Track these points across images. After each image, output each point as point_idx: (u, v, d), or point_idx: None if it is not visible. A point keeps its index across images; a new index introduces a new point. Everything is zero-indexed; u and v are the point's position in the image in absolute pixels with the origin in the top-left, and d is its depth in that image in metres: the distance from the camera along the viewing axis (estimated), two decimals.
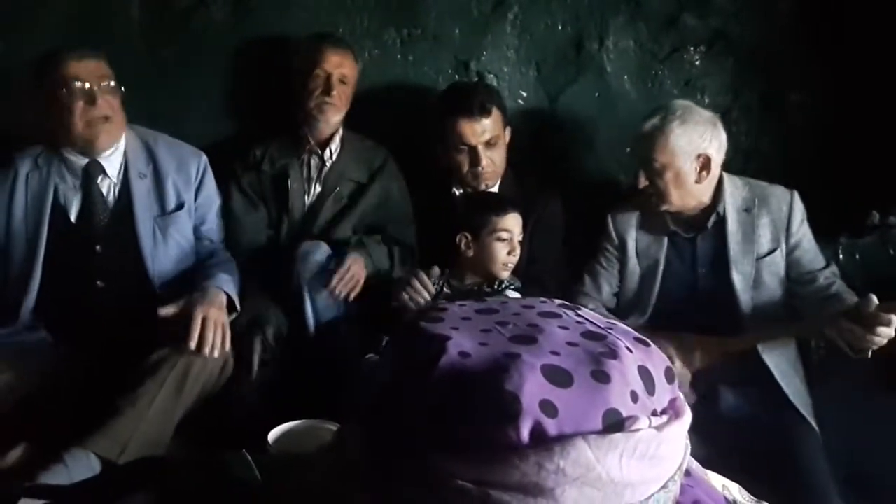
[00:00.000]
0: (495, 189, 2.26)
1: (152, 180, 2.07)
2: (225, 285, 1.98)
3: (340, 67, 2.22)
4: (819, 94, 2.39)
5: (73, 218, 2.00)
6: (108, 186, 2.03)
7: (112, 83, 1.97)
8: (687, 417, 0.57)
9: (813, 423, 1.85)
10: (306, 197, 2.26)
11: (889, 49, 2.26)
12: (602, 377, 0.52)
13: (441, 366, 0.53)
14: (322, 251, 2.07)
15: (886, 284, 2.18)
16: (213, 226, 2.18)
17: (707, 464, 0.72)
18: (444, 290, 2.09)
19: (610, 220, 2.14)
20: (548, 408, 0.50)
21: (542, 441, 0.49)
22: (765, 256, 2.01)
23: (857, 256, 2.25)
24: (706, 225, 2.03)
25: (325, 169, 2.26)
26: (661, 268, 2.06)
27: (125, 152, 2.05)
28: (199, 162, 2.14)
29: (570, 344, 0.56)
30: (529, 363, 0.52)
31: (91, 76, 1.93)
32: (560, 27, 2.47)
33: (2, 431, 1.73)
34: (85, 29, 2.32)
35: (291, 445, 1.33)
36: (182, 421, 1.80)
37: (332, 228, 2.22)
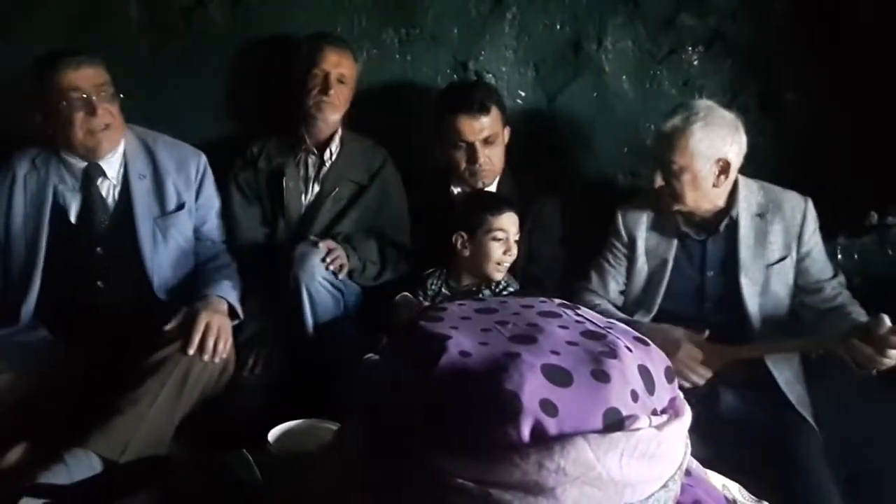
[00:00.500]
0: (493, 188, 2.26)
1: (152, 181, 2.07)
2: (227, 293, 1.98)
3: (339, 67, 2.22)
4: (817, 93, 2.39)
5: (72, 219, 2.00)
6: (107, 188, 2.03)
7: (111, 90, 1.96)
8: (687, 416, 0.57)
9: (812, 422, 1.85)
10: (304, 197, 2.26)
11: (886, 49, 2.27)
12: (602, 376, 0.52)
13: (441, 365, 0.53)
14: (320, 252, 2.07)
15: (884, 284, 2.19)
16: (213, 226, 2.18)
17: (707, 464, 0.72)
18: (442, 290, 2.10)
19: (620, 218, 2.11)
20: (548, 407, 0.50)
21: (543, 440, 0.50)
22: (775, 263, 1.97)
23: (856, 256, 2.25)
24: (718, 228, 1.99)
25: (325, 169, 2.26)
26: (670, 268, 2.03)
27: (124, 153, 2.05)
28: (198, 162, 2.14)
29: (569, 343, 0.56)
30: (529, 362, 0.52)
31: (89, 85, 1.92)
32: (558, 27, 2.47)
33: (2, 431, 1.73)
34: (84, 29, 2.32)
35: (291, 445, 1.33)
36: (183, 421, 1.80)
37: (330, 229, 2.21)
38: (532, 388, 0.50)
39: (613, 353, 0.55)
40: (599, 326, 0.59)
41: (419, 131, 2.39)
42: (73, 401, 1.81)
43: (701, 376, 1.86)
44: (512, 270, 2.11)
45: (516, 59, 2.48)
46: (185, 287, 2.04)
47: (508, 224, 2.03)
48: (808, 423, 1.84)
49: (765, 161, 2.39)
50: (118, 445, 1.68)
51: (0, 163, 2.03)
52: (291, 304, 2.03)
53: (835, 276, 2.01)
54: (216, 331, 1.86)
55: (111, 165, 2.03)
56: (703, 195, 1.95)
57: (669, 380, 0.57)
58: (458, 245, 2.05)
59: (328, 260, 2.03)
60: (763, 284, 1.97)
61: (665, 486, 0.54)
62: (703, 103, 1.96)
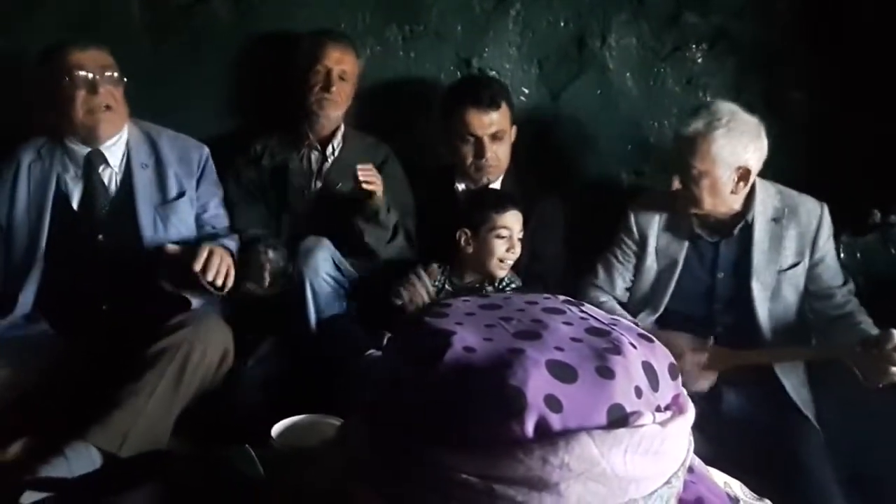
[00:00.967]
0: (497, 186, 2.26)
1: (154, 170, 2.09)
2: (228, 244, 2.01)
3: (341, 63, 2.22)
4: (821, 92, 2.39)
5: (74, 206, 2.02)
6: (109, 175, 2.05)
7: (115, 73, 2.00)
8: (690, 413, 0.57)
9: (815, 422, 1.85)
10: (307, 192, 2.26)
11: (890, 47, 2.26)
12: (606, 373, 0.52)
13: (446, 360, 0.53)
14: (324, 247, 2.07)
15: (888, 283, 2.18)
16: (215, 213, 2.19)
17: (709, 461, 0.72)
18: (446, 287, 2.10)
19: (632, 215, 2.09)
20: (552, 403, 0.50)
21: (547, 436, 0.50)
22: (787, 269, 1.96)
23: (859, 255, 2.25)
24: (732, 231, 1.97)
25: (327, 165, 2.26)
26: (680, 268, 2.01)
27: (127, 143, 2.08)
28: (201, 153, 2.17)
29: (574, 340, 0.56)
30: (534, 358, 0.52)
31: (94, 65, 1.95)
32: (562, 24, 2.47)
33: (3, 426, 1.73)
34: (86, 26, 2.32)
35: (294, 440, 1.33)
36: (185, 416, 1.81)
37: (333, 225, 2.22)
38: (536, 384, 0.50)
39: (618, 350, 0.54)
40: (604, 323, 0.59)
41: (423, 128, 2.39)
42: (72, 394, 1.82)
43: (703, 385, 1.86)
44: (515, 268, 2.11)
45: (520, 55, 2.48)
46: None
47: (512, 222, 2.03)
48: (811, 423, 1.84)
49: (769, 159, 2.38)
50: (117, 438, 1.68)
51: (6, 153, 2.06)
52: (294, 300, 2.03)
53: (845, 283, 2.01)
54: (219, 257, 1.88)
55: (113, 154, 2.05)
56: (722, 201, 1.93)
57: (673, 376, 0.57)
58: (462, 242, 2.06)
59: (362, 177, 1.98)
60: (774, 289, 1.96)
61: (668, 482, 0.54)
62: (727, 107, 1.91)
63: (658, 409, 0.54)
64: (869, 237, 2.24)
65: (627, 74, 2.48)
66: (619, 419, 0.51)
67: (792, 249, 1.97)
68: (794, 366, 1.94)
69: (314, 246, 2.05)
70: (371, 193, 2.02)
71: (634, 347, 0.56)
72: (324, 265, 2.02)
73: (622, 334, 0.57)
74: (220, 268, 1.87)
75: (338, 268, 2.07)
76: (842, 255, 2.20)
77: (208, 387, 1.86)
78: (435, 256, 2.14)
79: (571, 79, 2.49)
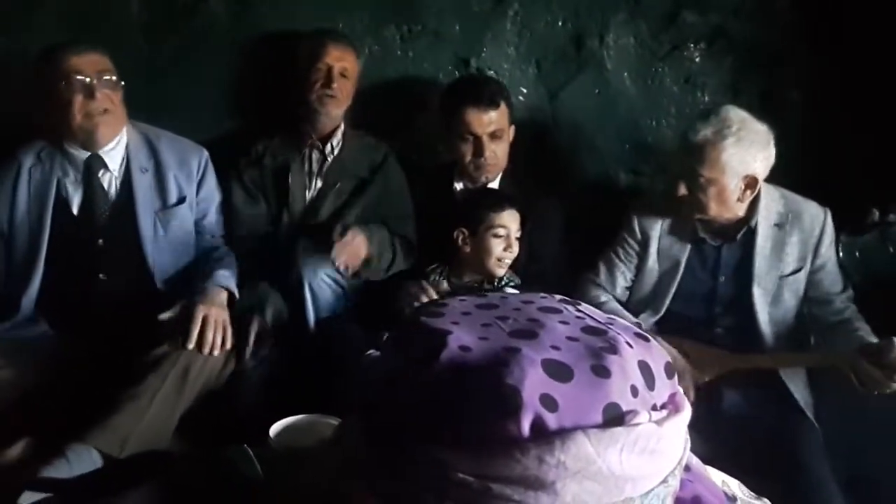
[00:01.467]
0: (495, 185, 2.26)
1: (154, 175, 2.08)
2: (224, 281, 1.99)
3: (342, 61, 2.22)
4: (819, 91, 2.39)
5: (74, 211, 2.02)
6: (108, 180, 2.05)
7: (113, 77, 1.99)
8: (687, 412, 0.57)
9: (814, 420, 1.85)
10: (307, 192, 2.26)
11: (888, 47, 2.26)
12: (602, 372, 0.53)
13: (442, 360, 0.53)
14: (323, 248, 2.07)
15: (886, 282, 2.19)
16: (214, 220, 2.19)
17: (707, 460, 0.72)
18: (444, 286, 2.10)
19: (634, 217, 2.08)
20: (548, 402, 0.50)
21: (543, 435, 0.50)
22: (789, 275, 1.96)
23: (857, 254, 2.25)
24: (735, 236, 1.97)
25: (327, 164, 2.26)
26: (682, 270, 2.01)
27: (127, 147, 2.07)
28: (200, 157, 2.16)
29: (570, 339, 0.56)
30: (530, 357, 0.52)
31: (91, 70, 1.94)
32: (560, 24, 2.47)
33: (4, 426, 1.73)
34: (85, 25, 2.32)
35: (292, 440, 1.33)
36: (184, 416, 1.81)
37: (333, 224, 2.21)
38: (532, 383, 0.51)
39: (614, 349, 0.55)
40: (600, 322, 0.59)
41: (421, 128, 2.39)
42: (73, 396, 1.82)
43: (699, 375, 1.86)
44: (513, 268, 2.11)
45: (518, 55, 2.48)
46: (186, 280, 2.05)
47: (509, 221, 2.04)
48: (811, 422, 1.84)
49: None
50: (118, 441, 1.68)
51: (6, 156, 2.05)
52: (293, 300, 2.03)
53: (844, 289, 2.01)
54: (214, 323, 1.87)
55: (113, 158, 2.04)
56: (727, 208, 1.92)
57: (669, 375, 0.57)
58: (460, 241, 2.06)
59: (339, 260, 2.01)
60: (775, 294, 1.96)
61: (665, 481, 0.54)
62: (737, 115, 1.89)
63: (654, 408, 0.54)
64: (867, 236, 2.24)
65: (625, 74, 2.48)
66: (615, 418, 0.51)
67: (794, 255, 1.96)
68: (797, 370, 1.94)
69: (313, 246, 2.05)
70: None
71: (630, 346, 0.56)
72: (322, 266, 2.02)
73: (618, 333, 0.57)
74: (215, 338, 1.86)
75: (336, 268, 2.07)
76: (840, 254, 2.20)
77: (211, 389, 1.86)
78: (434, 256, 2.15)
79: (569, 78, 2.49)
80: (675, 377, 0.58)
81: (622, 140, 2.50)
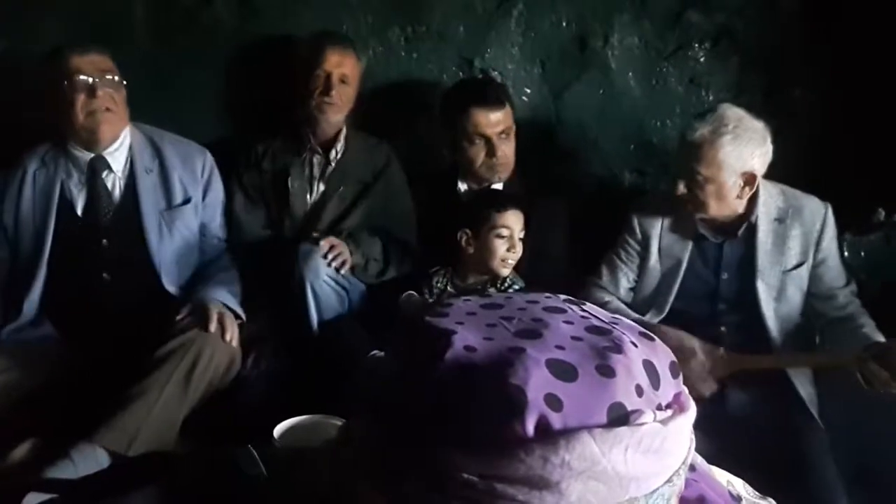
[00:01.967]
0: (499, 186, 2.26)
1: (158, 175, 2.09)
2: (227, 301, 2.01)
3: (340, 67, 2.21)
4: (823, 90, 2.38)
5: (79, 212, 2.03)
6: (112, 181, 2.06)
7: (115, 77, 2.00)
8: (692, 412, 0.57)
9: (819, 420, 1.85)
10: (309, 196, 2.26)
11: (893, 45, 2.25)
12: (607, 371, 0.52)
13: (446, 360, 0.53)
14: (322, 250, 2.07)
15: (892, 282, 2.18)
16: (219, 223, 2.20)
17: (712, 460, 0.72)
18: (448, 288, 2.10)
19: (635, 216, 2.09)
20: (553, 402, 0.50)
21: (548, 435, 0.50)
22: (792, 269, 1.96)
23: (862, 254, 2.24)
24: (737, 232, 1.97)
25: (330, 168, 2.26)
26: (684, 269, 2.01)
27: (130, 148, 2.08)
28: (204, 159, 2.17)
29: (574, 338, 0.56)
30: (534, 357, 0.52)
31: (93, 69, 1.96)
32: (564, 24, 2.47)
33: (9, 428, 1.74)
34: (90, 27, 2.33)
35: (297, 440, 1.33)
36: (189, 416, 1.81)
37: (335, 228, 2.22)
38: (537, 383, 0.50)
39: (618, 349, 0.54)
40: (604, 322, 0.59)
41: (425, 129, 2.39)
42: (78, 396, 1.82)
43: (708, 388, 1.85)
44: (517, 269, 2.10)
45: (522, 56, 2.48)
46: (191, 281, 2.06)
47: (512, 221, 2.03)
48: (815, 421, 1.84)
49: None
50: (125, 438, 1.69)
51: (11, 159, 2.07)
52: (296, 303, 2.03)
53: (847, 284, 2.00)
54: (226, 318, 1.91)
55: (116, 159, 2.05)
56: (727, 205, 1.93)
57: (674, 375, 0.57)
58: (463, 242, 2.06)
59: (329, 257, 2.03)
60: (779, 289, 1.96)
61: (670, 480, 0.54)
62: (734, 113, 1.90)
63: (659, 408, 0.54)
64: (872, 236, 2.24)
65: (630, 74, 2.48)
66: (620, 417, 0.51)
67: (796, 250, 1.96)
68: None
69: (315, 249, 2.05)
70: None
71: (635, 346, 0.56)
72: (324, 268, 2.02)
73: (623, 333, 0.57)
74: (232, 329, 1.92)
75: (336, 269, 2.07)
76: (846, 253, 2.20)
77: (216, 389, 1.87)
78: (438, 258, 2.15)
79: (574, 79, 2.49)
80: (681, 377, 0.58)
81: (626, 140, 2.50)
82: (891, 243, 2.23)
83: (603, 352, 0.54)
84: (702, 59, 2.46)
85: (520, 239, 2.05)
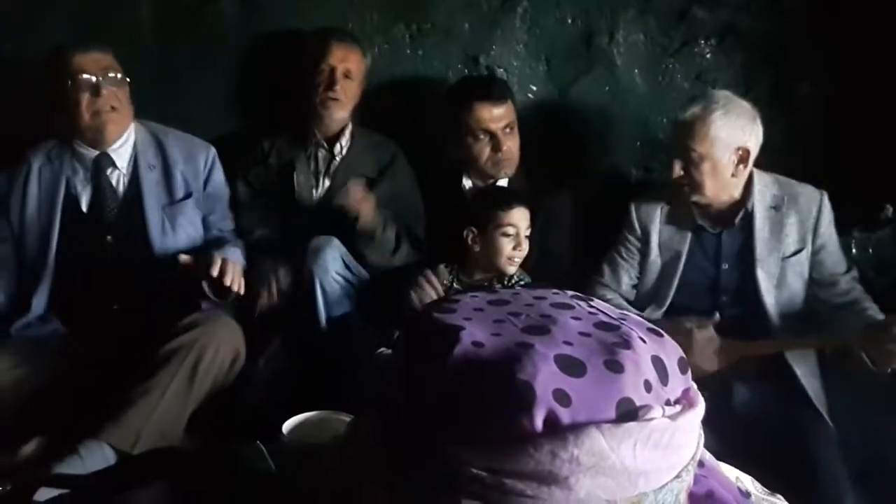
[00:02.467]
0: (505, 182, 2.26)
1: (161, 171, 2.10)
2: (233, 257, 2.01)
3: (345, 62, 2.22)
4: (830, 86, 2.38)
5: (84, 208, 2.04)
6: (117, 177, 2.07)
7: (118, 75, 2.01)
8: (700, 407, 0.57)
9: (827, 417, 1.84)
10: (315, 191, 2.27)
11: None
12: (615, 367, 0.52)
13: (455, 355, 0.53)
14: (333, 246, 2.07)
15: None
16: (221, 216, 2.20)
17: (720, 456, 0.72)
18: (454, 285, 2.09)
19: (633, 211, 2.11)
20: (561, 397, 0.50)
21: (556, 430, 0.50)
22: (791, 256, 1.97)
23: (871, 250, 2.24)
24: (733, 221, 1.99)
25: (335, 164, 2.26)
26: (683, 260, 2.03)
27: (135, 145, 2.09)
28: (207, 153, 2.18)
29: (582, 334, 0.56)
30: (542, 353, 0.52)
31: (96, 68, 1.96)
32: (570, 21, 2.46)
33: (17, 424, 1.75)
34: (94, 24, 2.34)
35: (305, 436, 1.34)
36: (196, 413, 1.82)
37: (342, 223, 2.22)
38: (545, 378, 0.51)
39: (627, 344, 0.55)
40: (613, 318, 0.59)
41: (430, 126, 2.39)
42: (85, 393, 1.83)
43: (711, 363, 1.86)
44: (524, 265, 2.10)
45: (527, 53, 2.48)
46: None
47: (518, 219, 2.03)
48: (823, 418, 1.84)
49: (778, 154, 2.37)
50: (130, 436, 1.70)
51: (16, 156, 2.07)
52: (304, 298, 2.03)
53: (848, 270, 2.01)
54: (232, 265, 1.91)
55: (121, 156, 2.06)
56: (722, 185, 1.94)
57: (683, 370, 0.57)
58: (469, 240, 2.05)
59: (352, 190, 2.02)
60: (779, 277, 1.97)
61: (678, 476, 0.54)
62: (722, 93, 1.97)
63: (668, 403, 0.54)
64: (880, 232, 2.23)
65: (635, 71, 2.47)
66: (629, 413, 0.51)
67: (794, 236, 1.98)
68: (808, 359, 1.93)
69: (323, 245, 2.05)
70: (357, 216, 2.06)
71: (644, 342, 0.56)
72: (333, 264, 2.02)
73: (631, 329, 0.57)
74: (234, 276, 1.90)
75: (347, 266, 2.07)
76: (854, 250, 2.19)
77: (220, 386, 1.87)
78: (444, 255, 2.14)
79: (579, 76, 2.48)
80: (689, 372, 0.58)
81: (632, 136, 2.49)
82: None
83: (611, 347, 0.54)
84: (707, 56, 2.45)
85: (526, 236, 2.05)
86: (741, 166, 1.93)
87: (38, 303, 1.99)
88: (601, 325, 0.57)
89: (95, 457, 1.65)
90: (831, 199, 2.01)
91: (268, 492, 0.88)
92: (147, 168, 2.08)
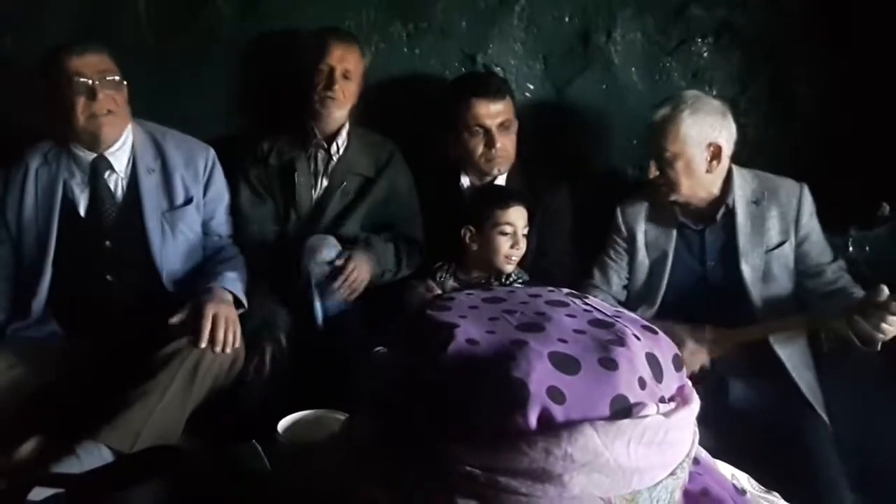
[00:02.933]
0: (502, 181, 2.26)
1: (160, 175, 2.08)
2: (230, 284, 1.99)
3: (344, 62, 2.21)
4: (827, 84, 2.38)
5: (82, 212, 2.02)
6: (115, 181, 2.05)
7: (115, 77, 1.98)
8: (695, 404, 0.57)
9: (823, 414, 1.85)
10: (313, 191, 2.26)
11: None
12: (610, 364, 0.52)
13: (449, 353, 0.53)
14: (330, 245, 2.07)
15: None
16: (221, 221, 2.19)
17: (715, 454, 0.72)
18: (451, 283, 2.09)
19: (619, 212, 2.14)
20: (555, 394, 0.50)
21: (550, 427, 0.50)
22: (774, 249, 2.00)
23: (867, 248, 2.24)
24: (715, 217, 2.02)
25: (332, 163, 2.26)
26: (670, 260, 2.05)
27: (133, 147, 2.07)
28: (207, 156, 2.16)
29: (577, 332, 0.56)
30: (537, 350, 0.52)
31: (92, 71, 1.94)
32: (567, 19, 2.46)
33: (15, 424, 1.75)
34: (92, 24, 2.33)
35: (300, 435, 1.34)
36: (193, 413, 1.82)
37: (340, 223, 2.22)
38: (539, 376, 0.51)
39: (621, 342, 0.55)
40: (607, 315, 0.59)
41: (428, 125, 2.39)
42: (84, 394, 1.83)
43: (699, 361, 1.89)
44: (521, 264, 2.11)
45: (525, 51, 2.48)
46: (194, 280, 2.05)
47: (516, 218, 2.03)
48: (818, 414, 1.84)
49: (775, 152, 2.38)
50: (129, 438, 1.69)
51: (13, 157, 2.06)
52: (301, 297, 2.03)
53: (834, 259, 2.03)
54: (224, 321, 1.86)
55: (118, 159, 2.04)
56: (698, 182, 1.98)
57: (677, 368, 0.57)
58: (467, 239, 2.05)
59: (341, 290, 2.01)
60: (764, 270, 1.99)
61: (673, 473, 0.54)
62: (690, 93, 2.03)
63: (662, 401, 0.54)
64: (878, 230, 2.23)
65: (633, 69, 2.47)
66: (623, 410, 0.51)
67: (776, 229, 2.00)
68: (799, 351, 1.94)
69: (320, 243, 2.05)
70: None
71: (638, 339, 0.56)
72: (330, 262, 2.02)
73: (626, 326, 0.57)
74: (226, 336, 1.85)
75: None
76: (850, 248, 2.19)
77: (220, 388, 1.87)
78: (441, 253, 2.14)
79: (576, 74, 2.48)
80: (684, 370, 0.58)
81: (629, 135, 2.49)
82: (895, 238, 2.22)
83: (606, 345, 0.54)
84: (704, 54, 2.45)
85: (523, 235, 2.05)
86: (714, 162, 1.96)
87: (37, 305, 1.98)
88: (596, 323, 0.57)
89: (93, 457, 1.65)
90: (829, 197, 2.01)
91: (263, 490, 0.88)
92: (146, 172, 2.06)
